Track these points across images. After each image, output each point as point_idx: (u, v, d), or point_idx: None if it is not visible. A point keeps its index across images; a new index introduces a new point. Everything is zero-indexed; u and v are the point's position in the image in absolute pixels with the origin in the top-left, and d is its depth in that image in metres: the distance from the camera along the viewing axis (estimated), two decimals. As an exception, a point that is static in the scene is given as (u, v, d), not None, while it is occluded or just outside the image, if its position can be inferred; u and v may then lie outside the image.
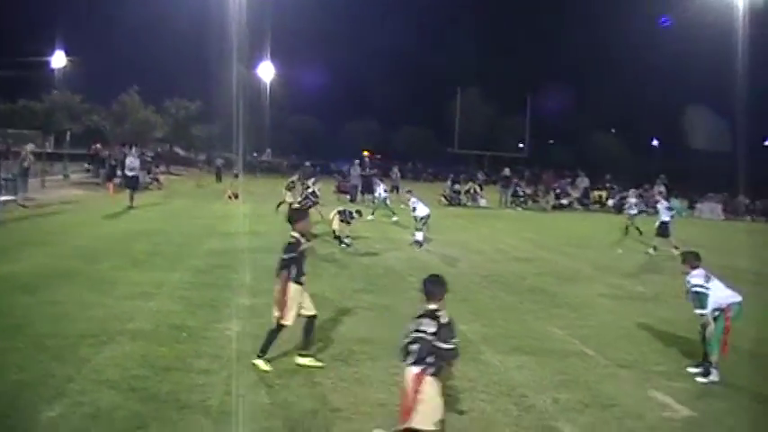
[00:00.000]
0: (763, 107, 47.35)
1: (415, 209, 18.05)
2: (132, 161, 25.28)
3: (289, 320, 7.44)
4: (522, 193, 35.82)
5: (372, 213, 24.26)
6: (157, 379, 6.97)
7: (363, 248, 16.97)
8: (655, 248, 18.81)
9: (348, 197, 32.23)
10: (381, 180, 28.77)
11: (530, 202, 35.89)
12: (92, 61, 47.38)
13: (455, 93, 64.62)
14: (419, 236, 17.90)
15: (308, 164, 33.95)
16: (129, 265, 13.26)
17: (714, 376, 7.88)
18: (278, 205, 23.04)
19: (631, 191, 26.44)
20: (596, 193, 38.65)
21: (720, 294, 7.97)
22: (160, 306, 10.08)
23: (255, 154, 51.40)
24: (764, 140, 77.75)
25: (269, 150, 52.75)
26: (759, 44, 34.23)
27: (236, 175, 35.82)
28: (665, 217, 19.29)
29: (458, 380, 7.24)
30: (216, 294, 11.02)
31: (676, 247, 17.17)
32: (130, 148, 28.16)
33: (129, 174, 24.95)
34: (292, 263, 7.37)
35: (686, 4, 47.38)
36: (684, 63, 60.12)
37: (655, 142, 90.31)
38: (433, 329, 5.05)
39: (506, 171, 37.42)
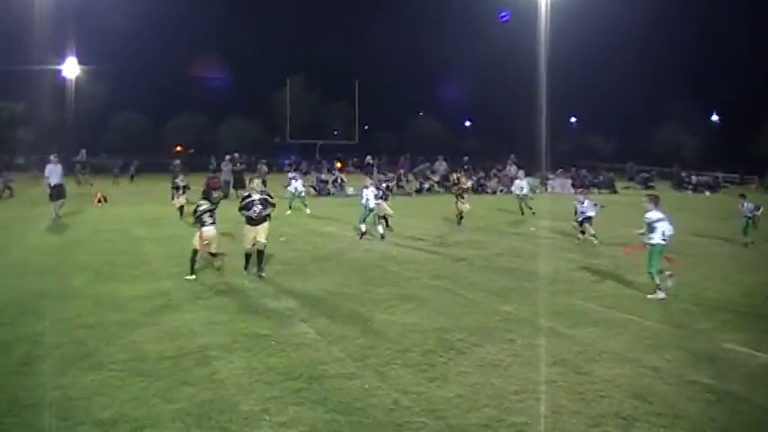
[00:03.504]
0: (567, 90, 52.79)
1: (368, 199, 18.34)
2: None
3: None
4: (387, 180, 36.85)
5: (290, 207, 24.95)
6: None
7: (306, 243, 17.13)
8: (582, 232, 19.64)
9: (221, 193, 31.58)
10: (298, 175, 28.92)
11: (395, 189, 36.99)
12: None
13: (283, 83, 64.26)
14: (380, 228, 18.54)
15: (177, 162, 32.65)
16: (103, 278, 12.53)
17: (661, 294, 11.19)
18: (180, 210, 22.39)
19: (520, 172, 28.31)
20: (455, 175, 40.56)
21: (666, 230, 11.29)
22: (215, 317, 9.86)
23: (81, 155, 48.24)
24: (570, 118, 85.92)
25: (83, 151, 49.77)
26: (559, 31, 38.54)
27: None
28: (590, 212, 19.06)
29: (562, 349, 8.33)
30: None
31: (583, 232, 18.65)
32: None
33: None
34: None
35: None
36: (494, 49, 65.15)
37: (467, 123, 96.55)
38: None
39: (369, 158, 38.39)
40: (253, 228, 12.66)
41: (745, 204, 19.04)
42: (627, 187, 44.42)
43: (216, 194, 14.29)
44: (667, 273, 11.41)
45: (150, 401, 6.57)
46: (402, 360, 7.86)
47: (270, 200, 12.98)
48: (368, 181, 19.75)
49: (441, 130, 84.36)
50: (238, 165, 32.71)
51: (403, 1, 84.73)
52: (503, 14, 39.81)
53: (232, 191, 31.62)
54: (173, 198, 23.34)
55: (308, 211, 24.96)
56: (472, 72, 75.71)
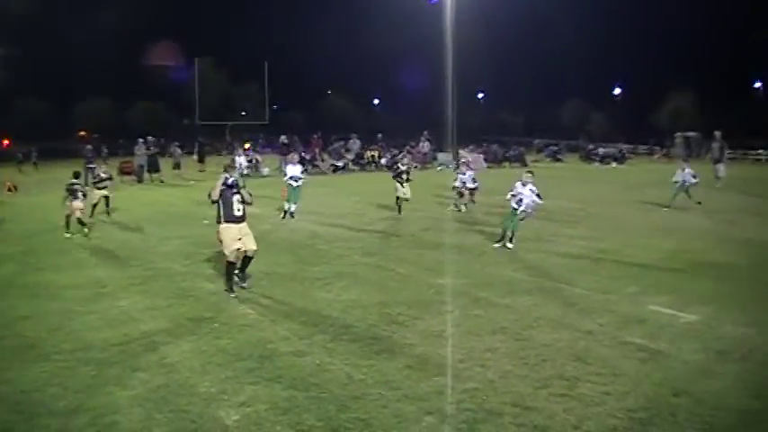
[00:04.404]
0: (474, 65, 54.04)
1: (293, 176, 18.33)
2: None
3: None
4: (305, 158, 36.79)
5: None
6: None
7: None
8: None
9: (135, 178, 31.04)
10: (245, 154, 29.59)
11: (310, 167, 36.92)
12: None
13: (191, 64, 62.77)
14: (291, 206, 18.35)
15: (89, 147, 31.60)
16: (31, 269, 12.20)
17: (510, 245, 13.42)
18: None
19: (462, 151, 28.70)
20: (369, 153, 40.92)
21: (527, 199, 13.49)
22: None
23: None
24: (477, 94, 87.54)
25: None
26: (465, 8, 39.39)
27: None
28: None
29: (500, 318, 8.74)
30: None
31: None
32: None
33: None
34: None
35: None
36: (399, 26, 66.14)
37: (375, 101, 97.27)
38: None
39: (283, 138, 38.14)
40: (238, 227, 10.13)
41: (687, 170, 20.04)
42: (536, 161, 45.65)
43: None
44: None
45: (105, 389, 6.51)
46: (348, 336, 8.00)
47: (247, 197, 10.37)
48: (294, 157, 19.63)
49: (351, 108, 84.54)
50: (151, 148, 31.94)
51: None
52: None
53: (146, 175, 30.98)
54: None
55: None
56: (380, 49, 76.08)
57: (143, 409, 6.06)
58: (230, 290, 9.90)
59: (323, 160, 39.03)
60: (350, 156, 39.81)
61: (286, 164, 19.34)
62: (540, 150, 53.96)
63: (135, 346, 7.77)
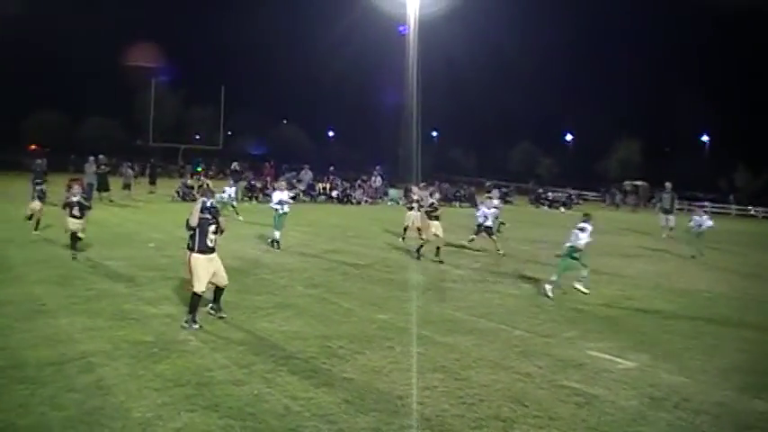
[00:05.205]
0: (429, 103, 54.89)
1: (281, 202, 18.26)
2: None
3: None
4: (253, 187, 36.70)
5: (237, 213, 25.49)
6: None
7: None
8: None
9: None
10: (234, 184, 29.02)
11: (261, 196, 36.78)
12: None
13: (147, 83, 62.19)
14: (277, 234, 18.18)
15: (39, 161, 30.78)
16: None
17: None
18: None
19: (413, 188, 28.73)
20: (320, 185, 41.00)
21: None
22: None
23: None
24: (431, 132, 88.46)
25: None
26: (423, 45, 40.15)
27: None
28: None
29: (440, 356, 8.76)
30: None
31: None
32: None
33: None
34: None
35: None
36: (358, 61, 66.79)
37: (330, 133, 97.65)
38: None
39: (235, 165, 38.01)
40: (209, 258, 9.62)
41: (704, 216, 20.53)
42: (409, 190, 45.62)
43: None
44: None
45: (38, 409, 6.34)
46: (287, 367, 7.94)
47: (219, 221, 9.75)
48: (281, 184, 19.52)
49: (305, 138, 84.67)
50: (102, 167, 31.35)
51: (271, 8, 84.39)
52: (402, 28, 40.39)
53: (95, 194, 30.29)
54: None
55: (240, 217, 25.42)
56: (337, 83, 76.62)
57: (75, 431, 5.92)
58: (193, 321, 9.41)
59: (273, 189, 38.79)
60: (301, 186, 39.79)
61: (273, 191, 19.20)
62: (489, 191, 54.55)
63: (71, 366, 7.58)
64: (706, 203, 20.41)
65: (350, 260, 16.67)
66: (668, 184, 28.19)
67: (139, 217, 24.09)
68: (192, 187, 34.99)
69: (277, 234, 18.05)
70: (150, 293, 11.63)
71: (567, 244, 13.46)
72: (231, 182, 28.76)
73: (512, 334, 10.19)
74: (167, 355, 8.19)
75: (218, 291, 9.97)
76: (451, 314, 11.36)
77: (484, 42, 67.72)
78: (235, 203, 26.97)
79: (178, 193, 34.60)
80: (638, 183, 58.00)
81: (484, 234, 18.77)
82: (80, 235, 14.96)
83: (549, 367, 8.52)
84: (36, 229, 17.64)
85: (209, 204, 9.60)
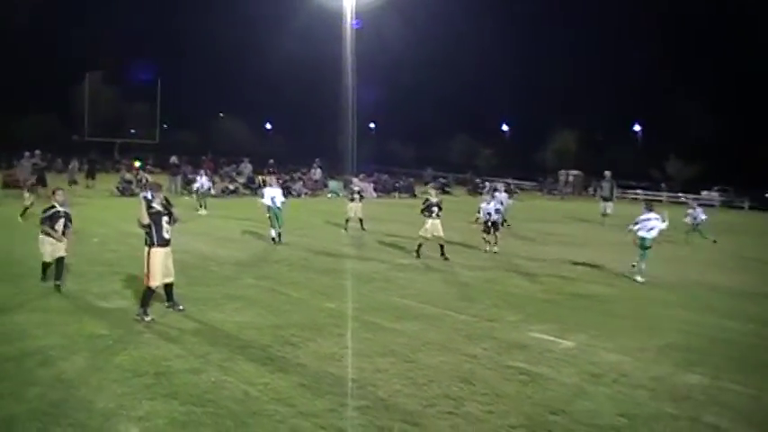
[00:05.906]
0: (366, 95, 55.45)
1: (273, 199, 18.35)
2: None
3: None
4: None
5: (203, 207, 26.00)
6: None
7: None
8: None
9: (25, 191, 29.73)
10: (205, 172, 29.44)
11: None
12: None
13: (81, 78, 60.73)
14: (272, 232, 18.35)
15: None
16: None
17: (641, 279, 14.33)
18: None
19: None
20: (260, 177, 40.84)
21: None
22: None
23: None
24: (369, 124, 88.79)
25: None
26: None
27: None
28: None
29: (389, 341, 9.07)
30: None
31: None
32: None
33: None
34: None
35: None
36: (296, 52, 66.65)
37: (268, 125, 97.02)
38: None
39: (174, 159, 37.62)
40: (163, 251, 9.72)
41: (698, 209, 21.31)
42: (425, 192, 46.57)
43: None
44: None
45: (0, 402, 6.41)
46: (242, 355, 8.14)
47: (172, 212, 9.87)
48: (272, 180, 19.51)
49: (243, 131, 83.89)
50: (39, 162, 30.69)
51: (208, 1, 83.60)
52: (354, 22, 40.37)
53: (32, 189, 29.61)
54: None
55: (204, 212, 25.50)
56: (274, 74, 76.21)
57: (41, 423, 6.03)
58: (144, 314, 9.46)
59: (214, 183, 38.51)
60: (241, 179, 39.60)
61: (265, 186, 19.13)
62: (427, 182, 55.24)
63: (30, 360, 7.66)
64: (650, 192, 21.12)
65: (295, 252, 16.83)
66: (608, 173, 29.03)
67: (81, 212, 23.51)
68: (131, 182, 34.60)
69: (272, 232, 18.31)
70: (100, 288, 11.63)
71: (647, 235, 14.55)
72: (201, 173, 29.21)
73: (457, 319, 10.56)
74: (124, 347, 8.30)
75: (168, 287, 10.05)
76: (398, 301, 11.68)
77: (421, 35, 68.28)
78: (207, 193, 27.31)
79: (118, 188, 34.19)
80: (574, 172, 59.45)
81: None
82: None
83: (495, 349, 8.92)
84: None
85: (150, 197, 9.74)
